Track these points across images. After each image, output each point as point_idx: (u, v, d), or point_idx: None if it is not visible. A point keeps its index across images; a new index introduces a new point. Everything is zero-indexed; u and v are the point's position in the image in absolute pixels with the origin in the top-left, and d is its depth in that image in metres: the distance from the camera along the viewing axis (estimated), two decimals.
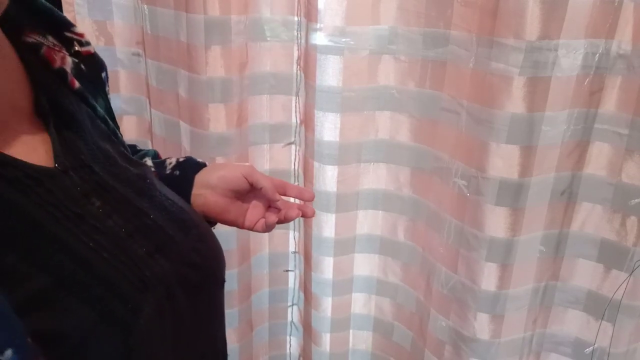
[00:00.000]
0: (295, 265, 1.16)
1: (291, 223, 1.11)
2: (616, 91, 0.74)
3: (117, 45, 1.10)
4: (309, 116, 0.95)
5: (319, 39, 0.87)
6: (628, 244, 0.78)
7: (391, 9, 0.86)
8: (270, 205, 0.62)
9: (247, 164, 0.61)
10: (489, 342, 0.86)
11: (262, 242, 1.14)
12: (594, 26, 0.70)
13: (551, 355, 0.92)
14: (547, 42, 0.69)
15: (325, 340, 1.09)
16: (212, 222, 0.61)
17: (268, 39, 0.97)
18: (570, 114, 0.75)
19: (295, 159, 1.07)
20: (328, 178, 0.96)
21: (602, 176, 0.79)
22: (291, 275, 1.17)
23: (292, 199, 0.65)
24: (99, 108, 0.47)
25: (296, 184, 1.08)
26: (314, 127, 0.93)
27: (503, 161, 0.76)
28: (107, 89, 0.49)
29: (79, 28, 0.45)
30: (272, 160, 1.08)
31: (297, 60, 0.99)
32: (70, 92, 0.44)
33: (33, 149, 0.38)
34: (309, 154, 0.98)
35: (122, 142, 0.49)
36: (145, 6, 1.02)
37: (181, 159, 0.62)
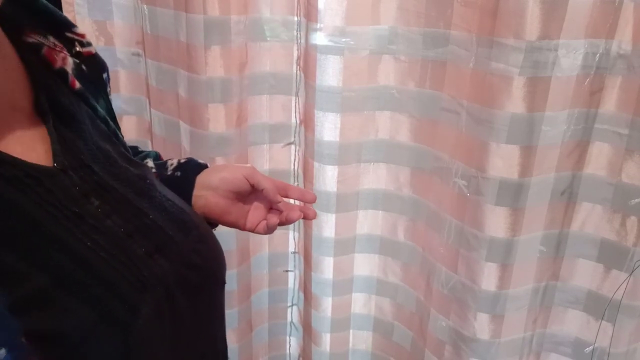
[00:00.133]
0: (295, 266, 1.16)
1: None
2: (616, 91, 0.74)
3: (117, 45, 1.10)
4: (308, 116, 0.95)
5: (319, 39, 0.87)
6: (628, 244, 0.78)
7: (391, 9, 0.86)
8: (271, 207, 0.62)
9: (248, 165, 0.61)
10: (489, 342, 0.86)
11: (262, 243, 1.14)
12: (594, 26, 0.70)
13: (551, 355, 0.92)
14: (547, 42, 0.69)
15: (325, 341, 1.09)
16: (213, 224, 0.61)
17: (268, 39, 0.97)
18: (571, 114, 0.75)
19: (295, 159, 1.07)
20: (328, 178, 0.96)
21: (602, 176, 0.78)
22: (291, 275, 1.17)
23: (293, 201, 0.65)
24: (99, 109, 0.47)
25: (296, 184, 1.08)
26: (314, 127, 0.93)
27: (503, 161, 0.76)
28: (108, 89, 0.49)
29: (79, 28, 0.45)
30: (272, 161, 1.08)
31: (297, 60, 0.99)
32: (71, 93, 0.44)
33: (32, 148, 0.38)
34: (309, 154, 0.98)
35: (122, 143, 0.49)
36: (145, 6, 1.02)
37: (182, 160, 0.62)
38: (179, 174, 0.60)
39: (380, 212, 1.01)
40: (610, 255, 0.81)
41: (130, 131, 1.17)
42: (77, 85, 0.44)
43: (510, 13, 0.69)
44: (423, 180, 0.93)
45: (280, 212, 0.62)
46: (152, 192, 0.47)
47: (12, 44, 0.40)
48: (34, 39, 0.41)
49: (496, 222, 0.79)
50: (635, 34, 0.71)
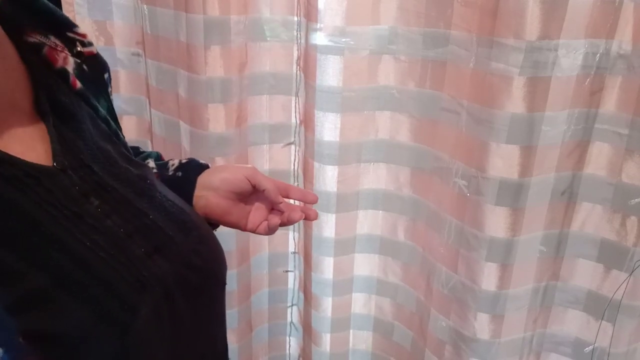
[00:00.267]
0: (295, 266, 1.16)
1: None
2: (616, 91, 0.74)
3: (117, 45, 1.10)
4: (308, 116, 0.95)
5: (319, 39, 0.87)
6: (628, 244, 0.78)
7: (391, 9, 0.86)
8: (272, 208, 0.62)
9: (249, 165, 0.61)
10: (489, 342, 0.86)
11: (262, 243, 1.14)
12: (594, 26, 0.70)
13: (551, 355, 0.92)
14: (547, 42, 0.69)
15: (325, 341, 1.09)
16: (214, 224, 0.61)
17: (268, 39, 0.97)
18: (571, 114, 0.75)
19: (295, 159, 1.07)
20: (328, 178, 0.95)
21: (602, 176, 0.78)
22: (291, 275, 1.17)
23: (294, 202, 0.65)
24: (100, 109, 0.47)
25: (296, 184, 1.08)
26: (314, 127, 0.93)
27: (503, 161, 0.76)
28: (109, 89, 0.49)
29: (80, 28, 0.45)
30: (272, 161, 1.07)
31: (297, 60, 0.99)
32: (72, 92, 0.44)
33: (32, 148, 0.38)
34: (309, 154, 0.98)
35: (123, 143, 0.49)
36: (145, 6, 1.02)
37: (184, 161, 0.62)
38: (180, 174, 0.60)
39: (380, 212, 1.01)
40: (610, 255, 0.81)
41: (130, 131, 1.17)
42: (78, 85, 0.44)
43: (510, 13, 0.69)
44: (423, 180, 0.93)
45: (282, 212, 0.61)
46: (152, 193, 0.46)
47: (13, 43, 0.40)
48: (35, 38, 0.41)
49: (496, 222, 0.79)
50: (635, 34, 0.71)
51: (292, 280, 1.18)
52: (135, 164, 0.47)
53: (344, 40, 0.86)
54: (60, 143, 0.40)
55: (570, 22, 0.68)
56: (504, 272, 0.82)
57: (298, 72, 0.99)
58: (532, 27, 0.68)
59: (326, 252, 1.01)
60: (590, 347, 0.86)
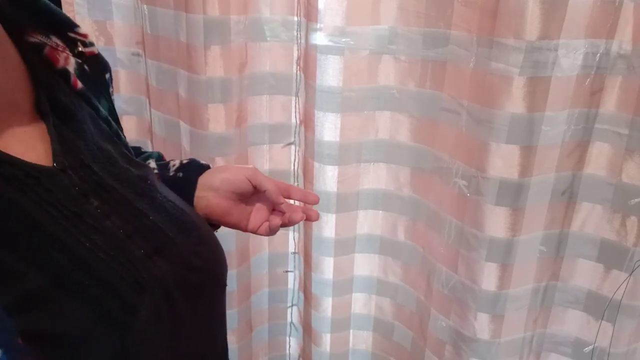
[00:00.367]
0: (295, 266, 1.16)
1: None
2: (616, 91, 0.74)
3: (117, 45, 1.10)
4: (309, 116, 0.95)
5: (319, 39, 0.87)
6: (628, 244, 0.78)
7: (391, 9, 0.86)
8: (274, 209, 0.62)
9: (250, 166, 0.61)
10: (489, 342, 0.86)
11: (262, 243, 1.14)
12: (594, 26, 0.70)
13: (551, 355, 0.92)
14: (547, 42, 0.69)
15: (325, 341, 1.09)
16: (215, 225, 0.60)
17: (268, 39, 0.97)
18: (571, 114, 0.75)
19: (295, 160, 1.07)
20: (328, 178, 0.95)
21: (602, 176, 0.78)
22: (291, 275, 1.17)
23: (295, 202, 0.65)
24: (101, 109, 0.47)
25: (296, 184, 1.08)
26: (314, 127, 0.93)
27: (503, 161, 0.76)
28: (110, 90, 0.49)
29: (82, 28, 0.45)
30: (272, 161, 1.07)
31: (297, 60, 0.99)
32: (73, 93, 0.44)
33: (32, 148, 0.38)
34: (309, 154, 0.98)
35: (124, 143, 0.49)
36: (145, 6, 1.02)
37: (185, 161, 0.62)
38: (181, 174, 0.59)
39: (380, 212, 1.01)
40: (610, 255, 0.81)
41: (130, 131, 1.17)
42: (79, 85, 0.44)
43: (510, 13, 0.69)
44: (423, 180, 0.93)
45: (283, 213, 0.61)
46: (152, 193, 0.46)
47: (14, 43, 0.40)
48: (36, 38, 0.41)
49: (496, 222, 0.79)
50: (635, 34, 0.70)
51: (292, 281, 1.18)
52: (136, 165, 0.47)
53: (344, 40, 0.86)
54: (60, 143, 0.40)
55: (570, 22, 0.68)
56: (504, 272, 0.82)
57: (298, 72, 0.99)
58: (532, 27, 0.68)
59: (326, 252, 1.01)
60: (590, 347, 0.86)
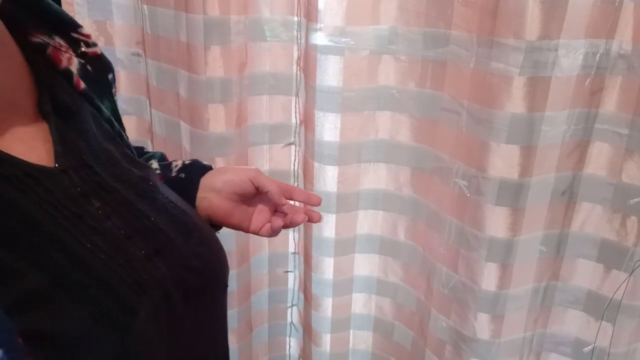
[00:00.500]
0: (295, 266, 1.16)
1: None
2: (616, 91, 0.74)
3: (117, 45, 1.10)
4: (309, 116, 0.95)
5: (319, 39, 0.87)
6: (628, 244, 0.78)
7: (391, 9, 0.86)
8: (276, 210, 0.62)
9: (252, 167, 0.61)
10: (489, 342, 0.86)
11: (262, 243, 1.14)
12: (594, 26, 0.70)
13: (551, 355, 0.92)
14: (547, 42, 0.69)
15: (326, 341, 1.09)
16: (217, 226, 0.60)
17: (268, 39, 0.97)
18: (571, 114, 0.75)
19: (295, 160, 1.07)
20: (328, 178, 0.95)
21: (602, 176, 0.78)
22: (291, 276, 1.17)
23: (296, 203, 0.64)
24: (104, 109, 0.47)
25: (296, 184, 1.08)
26: (314, 128, 0.93)
27: (503, 161, 0.76)
28: (113, 90, 0.49)
29: (85, 28, 0.45)
30: (272, 161, 1.07)
31: (297, 60, 0.99)
32: (75, 93, 0.44)
33: (33, 148, 0.38)
34: (309, 154, 0.98)
35: (127, 144, 0.49)
36: (145, 6, 1.02)
37: (187, 162, 0.62)
38: (183, 175, 0.59)
39: (380, 212, 1.01)
40: (610, 255, 0.81)
41: (130, 131, 1.17)
42: (82, 85, 0.44)
43: (510, 13, 0.69)
44: (423, 180, 0.93)
45: (285, 214, 0.61)
46: (154, 194, 0.46)
47: (17, 43, 0.40)
48: (39, 39, 0.41)
49: (496, 222, 0.79)
50: (635, 34, 0.71)
51: (292, 281, 1.18)
52: (138, 165, 0.47)
53: (344, 40, 0.86)
54: (62, 143, 0.40)
55: (570, 22, 0.68)
56: (504, 272, 0.82)
57: (298, 72, 0.99)
58: (532, 27, 0.68)
59: (326, 252, 1.01)
60: (590, 347, 0.86)
